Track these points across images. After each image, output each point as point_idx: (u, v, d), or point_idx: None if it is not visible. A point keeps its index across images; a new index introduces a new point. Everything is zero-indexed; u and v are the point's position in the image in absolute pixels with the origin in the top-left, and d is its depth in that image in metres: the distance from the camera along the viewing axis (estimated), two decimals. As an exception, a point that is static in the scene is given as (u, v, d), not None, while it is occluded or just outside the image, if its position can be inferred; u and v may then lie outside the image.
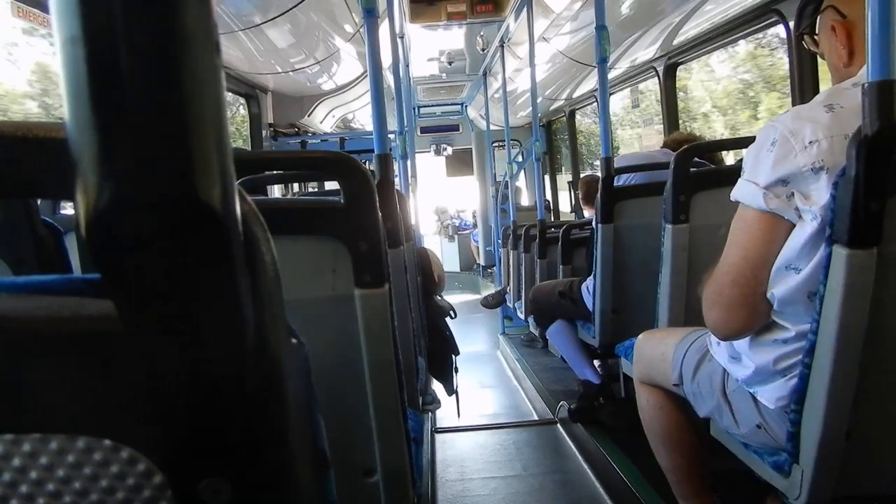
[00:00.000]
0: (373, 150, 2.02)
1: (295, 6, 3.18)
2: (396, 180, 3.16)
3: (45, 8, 2.22)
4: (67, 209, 1.93)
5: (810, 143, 1.14)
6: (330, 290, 1.14)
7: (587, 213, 4.34)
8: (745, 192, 1.23)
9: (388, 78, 3.91)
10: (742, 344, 1.34)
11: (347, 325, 1.15)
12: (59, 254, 1.20)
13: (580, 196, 4.55)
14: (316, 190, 4.37)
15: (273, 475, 0.32)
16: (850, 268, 1.10)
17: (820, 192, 1.14)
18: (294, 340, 0.38)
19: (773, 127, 1.20)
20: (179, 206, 0.28)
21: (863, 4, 1.24)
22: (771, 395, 1.30)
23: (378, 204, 1.13)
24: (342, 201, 1.11)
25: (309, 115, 5.43)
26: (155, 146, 0.27)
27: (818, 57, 1.42)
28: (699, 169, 2.13)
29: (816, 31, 1.38)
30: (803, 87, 2.87)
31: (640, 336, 1.82)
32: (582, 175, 6.43)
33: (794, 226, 1.20)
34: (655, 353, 1.69)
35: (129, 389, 0.30)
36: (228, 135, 0.30)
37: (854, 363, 1.16)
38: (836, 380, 1.16)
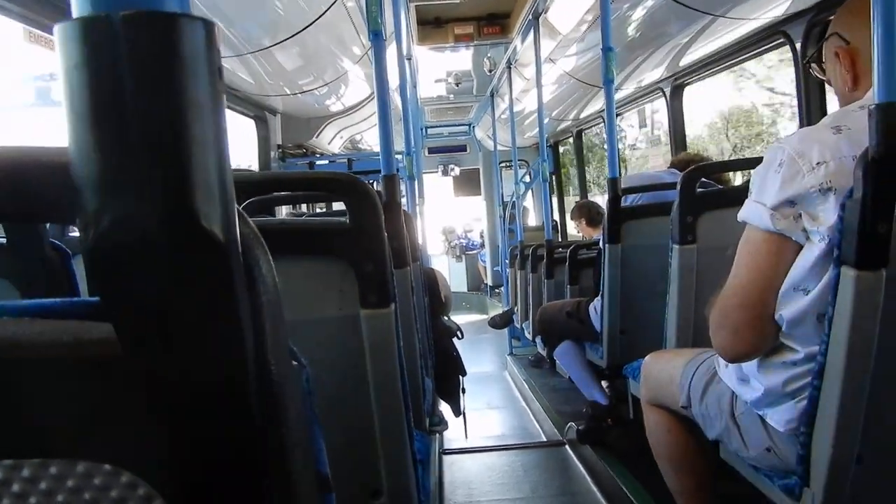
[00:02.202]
0: (380, 171, 2.03)
1: (304, 29, 3.22)
2: (403, 200, 3.17)
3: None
4: (76, 232, 1.94)
5: (818, 164, 1.14)
6: (336, 311, 1.14)
7: (596, 235, 4.34)
8: (752, 212, 1.22)
9: (396, 99, 3.93)
10: (750, 366, 1.33)
11: (353, 345, 1.15)
12: (66, 276, 1.21)
13: (583, 223, 4.56)
14: (324, 210, 4.38)
15: (274, 499, 0.32)
16: (858, 289, 1.09)
17: (828, 213, 1.13)
18: (295, 363, 0.38)
19: (780, 148, 1.20)
20: (180, 231, 0.28)
21: (866, 30, 1.25)
22: (780, 417, 1.29)
23: (384, 225, 1.13)
24: (348, 222, 1.11)
25: (317, 136, 5.46)
26: (156, 171, 0.27)
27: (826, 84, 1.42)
28: (706, 189, 2.13)
29: (823, 59, 1.39)
30: (810, 108, 2.87)
31: (647, 357, 1.81)
32: (577, 202, 6.43)
33: (801, 247, 1.19)
34: (663, 374, 1.68)
35: (128, 414, 0.30)
36: (229, 159, 0.30)
37: (864, 385, 1.14)
38: (846, 402, 1.15)
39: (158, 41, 0.27)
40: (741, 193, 1.29)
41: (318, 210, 4.49)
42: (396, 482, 1.23)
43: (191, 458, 0.30)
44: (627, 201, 2.66)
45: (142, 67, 0.27)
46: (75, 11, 0.28)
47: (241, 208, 0.31)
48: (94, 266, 0.28)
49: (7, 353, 0.30)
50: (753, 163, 1.38)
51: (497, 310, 7.30)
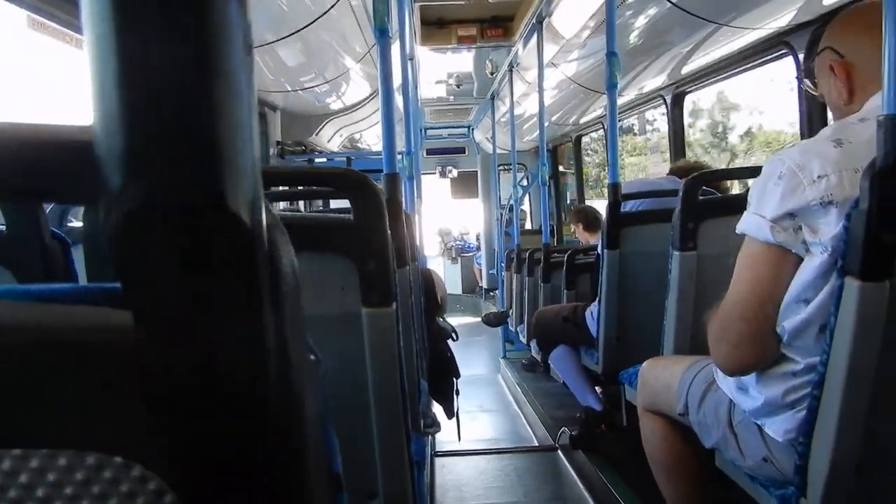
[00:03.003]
0: (379, 171, 2.03)
1: (307, 26, 3.21)
2: (402, 200, 3.16)
3: (61, 21, 2.24)
4: (75, 221, 1.93)
5: (819, 177, 1.14)
6: (337, 309, 1.13)
7: (593, 240, 4.34)
8: (751, 224, 1.22)
9: (398, 99, 3.93)
10: (749, 376, 1.33)
11: (353, 344, 1.14)
12: (66, 265, 1.20)
13: (581, 227, 4.56)
14: (321, 208, 4.37)
15: (289, 497, 0.31)
16: (861, 300, 1.09)
17: (829, 226, 1.13)
18: (312, 357, 0.37)
19: (779, 160, 1.19)
20: (207, 214, 0.27)
21: (860, 44, 1.26)
22: (778, 427, 1.28)
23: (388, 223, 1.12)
24: (352, 219, 1.10)
25: (317, 134, 5.45)
26: (184, 152, 0.27)
27: (818, 99, 1.43)
28: (708, 197, 2.13)
29: (815, 76, 1.39)
30: (812, 119, 2.87)
31: (644, 364, 1.81)
32: (574, 206, 6.44)
33: (800, 259, 1.19)
34: (660, 381, 1.67)
35: (142, 405, 0.29)
36: (257, 142, 0.29)
37: (864, 396, 1.14)
38: (846, 413, 1.14)
39: (190, 9, 0.26)
40: (743, 201, 1.29)
41: (315, 209, 4.48)
42: (393, 484, 1.22)
43: (206, 453, 0.30)
44: (626, 208, 2.65)
45: (172, 38, 0.26)
46: None
47: None
48: (117, 249, 0.27)
49: (19, 338, 0.29)
50: (756, 171, 1.37)
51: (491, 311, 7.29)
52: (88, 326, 0.29)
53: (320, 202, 4.63)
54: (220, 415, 0.29)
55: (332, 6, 3.12)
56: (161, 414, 0.29)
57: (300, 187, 2.12)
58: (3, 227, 1.17)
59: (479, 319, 8.33)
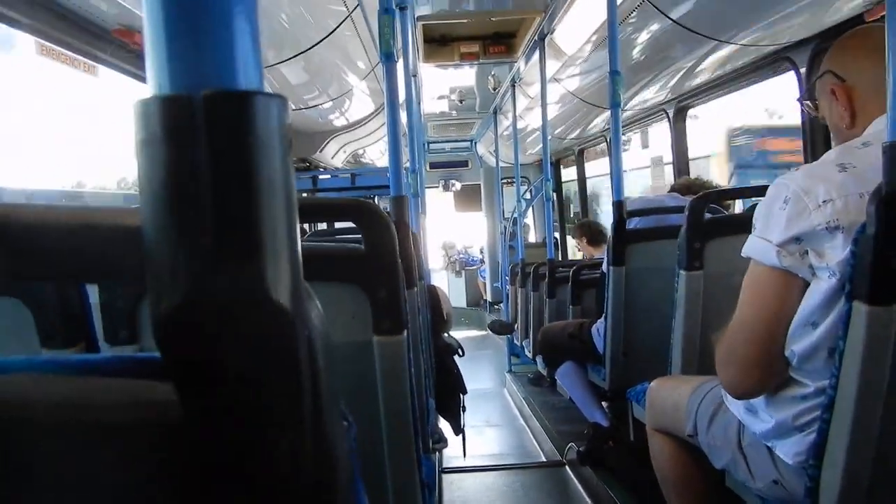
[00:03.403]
0: (383, 187, 2.05)
1: (312, 47, 3.23)
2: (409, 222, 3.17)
3: (69, 46, 2.27)
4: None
5: (824, 202, 1.14)
6: (348, 336, 1.14)
7: (597, 254, 4.35)
8: (757, 248, 1.22)
9: (402, 116, 3.95)
10: (759, 399, 1.33)
11: (364, 371, 1.15)
12: (79, 297, 1.21)
13: (585, 241, 4.57)
14: (325, 228, 4.38)
15: None
16: (870, 324, 1.10)
17: (835, 251, 1.14)
18: (345, 422, 0.38)
19: (784, 184, 1.20)
20: (252, 305, 0.28)
21: (861, 67, 1.27)
22: (789, 450, 1.29)
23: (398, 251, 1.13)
24: (363, 248, 1.11)
25: (321, 151, 5.48)
26: (229, 246, 0.28)
27: (819, 120, 1.44)
28: (714, 216, 2.13)
29: (816, 97, 1.40)
30: (815, 138, 2.88)
31: (652, 383, 1.81)
32: (577, 221, 6.45)
33: (807, 284, 1.19)
34: (668, 401, 1.67)
35: (183, 480, 0.30)
36: (298, 230, 0.31)
37: (875, 419, 1.14)
38: (856, 436, 1.15)
39: (236, 119, 0.28)
40: (749, 220, 1.29)
41: (319, 229, 4.49)
42: None
43: None
44: (631, 224, 2.66)
45: (219, 145, 0.27)
46: (153, 87, 0.28)
47: None
48: (163, 334, 0.28)
49: (58, 417, 0.29)
50: (761, 191, 1.38)
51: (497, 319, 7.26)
52: (132, 401, 0.30)
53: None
54: (260, 490, 0.30)
55: (338, 27, 3.14)
56: (201, 488, 0.30)
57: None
58: None
59: (484, 333, 8.34)
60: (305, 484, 0.30)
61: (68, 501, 0.30)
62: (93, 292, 1.21)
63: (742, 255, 1.27)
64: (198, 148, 0.27)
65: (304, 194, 4.78)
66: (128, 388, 0.30)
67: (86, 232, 0.30)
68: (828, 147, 2.62)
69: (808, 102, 1.46)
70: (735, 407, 1.43)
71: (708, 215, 2.03)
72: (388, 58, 2.05)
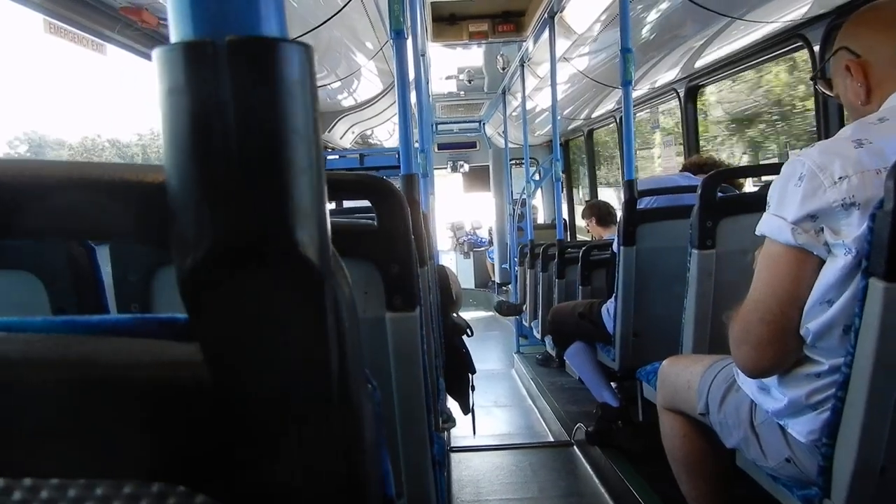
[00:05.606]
0: (392, 167, 2.04)
1: (320, 25, 3.21)
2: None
3: (77, 25, 2.25)
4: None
5: (840, 178, 1.13)
6: (360, 313, 1.14)
7: (606, 235, 4.33)
8: (772, 226, 1.21)
9: (411, 96, 3.93)
10: (772, 377, 1.32)
11: (377, 348, 1.14)
12: (91, 270, 1.21)
13: (594, 221, 4.55)
14: (334, 207, 4.38)
15: None
16: (886, 301, 1.08)
17: (851, 228, 1.12)
18: (369, 385, 0.37)
19: (800, 161, 1.18)
20: (279, 258, 0.28)
21: (877, 42, 1.25)
22: (802, 428, 1.28)
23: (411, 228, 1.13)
24: (376, 224, 1.10)
25: (329, 131, 5.46)
26: (255, 198, 0.27)
27: (834, 99, 1.42)
28: (726, 194, 2.12)
29: (829, 75, 1.38)
30: (828, 115, 2.85)
31: (664, 362, 1.81)
32: (587, 201, 6.42)
33: (822, 261, 1.18)
34: (680, 380, 1.67)
35: (207, 436, 0.30)
36: (325, 183, 0.30)
37: (889, 397, 1.14)
38: (871, 414, 1.14)
39: (261, 66, 0.27)
40: (762, 199, 1.28)
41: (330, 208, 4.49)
42: (416, 484, 1.23)
43: (271, 479, 0.30)
44: (641, 204, 2.65)
45: (244, 93, 0.27)
46: (175, 35, 0.27)
47: None
48: (189, 290, 0.28)
49: (81, 373, 0.29)
50: (776, 168, 1.36)
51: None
52: (153, 361, 0.29)
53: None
54: (287, 443, 0.29)
55: (346, 5, 3.12)
56: (225, 444, 0.29)
57: None
58: None
59: (492, 314, 8.35)
60: (334, 443, 0.30)
61: (86, 460, 0.30)
62: (105, 265, 1.21)
63: (756, 233, 1.25)
64: (223, 94, 0.27)
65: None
66: (149, 347, 0.30)
67: (107, 188, 0.29)
68: (842, 126, 2.60)
69: (822, 80, 1.44)
70: (747, 386, 1.43)
71: (720, 195, 2.02)
72: (398, 35, 2.03)
